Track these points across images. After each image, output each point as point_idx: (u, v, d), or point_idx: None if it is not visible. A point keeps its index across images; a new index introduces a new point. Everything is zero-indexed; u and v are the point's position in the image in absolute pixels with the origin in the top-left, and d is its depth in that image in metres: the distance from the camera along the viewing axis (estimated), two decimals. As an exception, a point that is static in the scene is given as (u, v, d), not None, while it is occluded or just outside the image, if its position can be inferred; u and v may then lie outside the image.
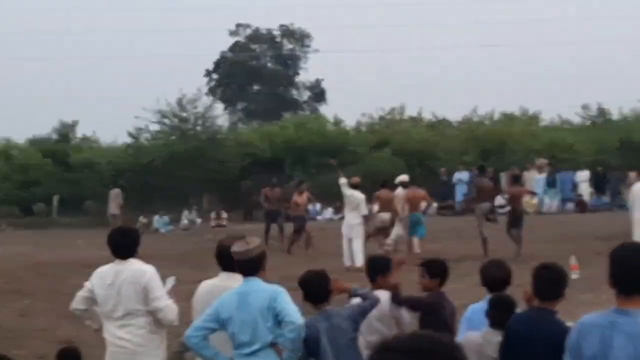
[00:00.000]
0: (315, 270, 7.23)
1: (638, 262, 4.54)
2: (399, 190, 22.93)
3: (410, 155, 41.77)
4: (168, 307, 7.68)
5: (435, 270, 7.52)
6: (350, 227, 20.88)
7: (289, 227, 25.76)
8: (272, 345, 6.59)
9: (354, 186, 21.24)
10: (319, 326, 6.76)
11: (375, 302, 6.87)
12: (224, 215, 37.23)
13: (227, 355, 6.72)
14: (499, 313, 6.49)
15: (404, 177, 23.80)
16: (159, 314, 7.66)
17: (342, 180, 21.39)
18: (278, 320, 6.52)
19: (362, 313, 6.88)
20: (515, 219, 21.63)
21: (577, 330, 4.64)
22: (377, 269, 7.80)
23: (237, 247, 6.71)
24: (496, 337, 6.38)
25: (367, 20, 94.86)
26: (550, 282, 6.07)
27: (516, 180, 24.11)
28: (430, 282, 7.46)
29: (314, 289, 6.91)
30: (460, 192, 36.36)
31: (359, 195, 20.98)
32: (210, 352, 6.70)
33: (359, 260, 19.12)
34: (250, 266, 6.70)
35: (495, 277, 7.11)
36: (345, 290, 7.02)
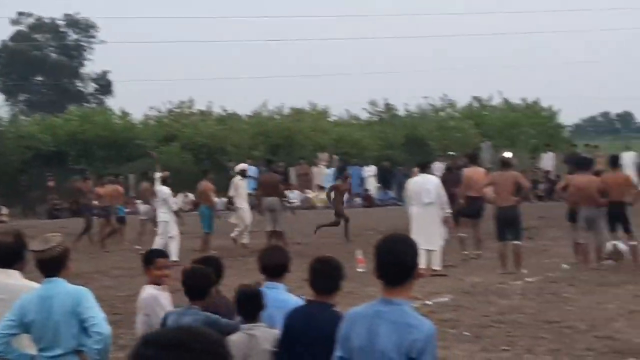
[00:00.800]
0: (198, 268, 7.03)
1: (400, 253, 4.69)
2: (238, 179, 23.03)
3: (199, 149, 41.49)
4: None
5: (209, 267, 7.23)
6: (158, 222, 20.55)
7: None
8: (78, 352, 6.15)
9: (162, 181, 20.91)
10: (170, 318, 6.67)
11: (234, 328, 6.48)
12: (4, 211, 35.74)
13: (29, 353, 6.32)
14: (247, 306, 6.39)
15: (243, 166, 24.19)
16: None
17: (158, 174, 21.09)
18: (84, 327, 6.15)
19: (214, 326, 6.48)
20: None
21: (346, 321, 4.78)
22: (147, 261, 7.66)
23: (36, 246, 6.29)
24: (262, 330, 6.28)
25: (155, 12, 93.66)
26: (326, 275, 6.04)
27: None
28: None
29: (191, 286, 6.73)
30: (249, 187, 36.13)
31: (166, 191, 20.62)
32: (14, 354, 6.30)
33: (173, 255, 18.53)
34: (51, 266, 6.28)
35: (273, 263, 6.96)
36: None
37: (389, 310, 4.63)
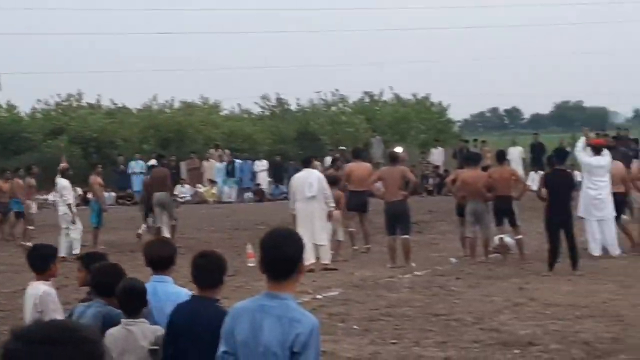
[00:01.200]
0: (110, 264, 7.02)
1: (285, 248, 4.67)
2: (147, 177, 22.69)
3: (87, 143, 40.89)
4: None
5: (94, 264, 7.12)
6: (59, 217, 20.13)
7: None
8: None
9: (61, 173, 20.41)
10: (77, 310, 6.64)
11: (117, 321, 6.41)
12: None
13: None
14: (130, 301, 6.31)
15: (154, 162, 24.10)
16: None
17: (61, 165, 20.68)
18: None
19: (115, 320, 6.43)
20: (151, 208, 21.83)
21: (231, 316, 4.76)
22: (52, 258, 7.49)
23: None
24: (141, 326, 6.20)
25: (42, 3, 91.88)
26: (209, 270, 6.01)
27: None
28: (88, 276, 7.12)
29: (100, 282, 6.68)
30: (137, 182, 35.71)
31: (64, 184, 20.16)
32: None
33: (62, 251, 17.99)
34: None
35: (158, 256, 6.89)
36: None
37: (274, 304, 4.61)
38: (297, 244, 4.74)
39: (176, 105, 48.29)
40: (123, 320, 6.28)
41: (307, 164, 17.92)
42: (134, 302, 6.27)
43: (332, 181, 18.45)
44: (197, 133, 42.91)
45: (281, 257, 4.66)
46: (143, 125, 43.59)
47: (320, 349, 4.66)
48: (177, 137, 42.27)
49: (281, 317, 4.57)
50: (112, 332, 6.15)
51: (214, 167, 37.98)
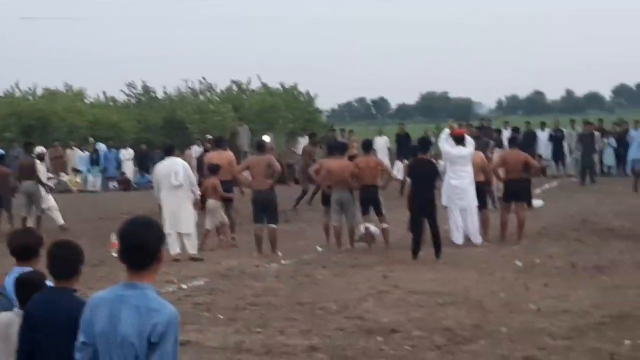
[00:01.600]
0: None
1: (143, 236, 4.64)
2: (38, 164, 22.02)
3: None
4: None
5: None
6: None
7: None
8: None
9: None
10: None
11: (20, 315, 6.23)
12: None
13: None
14: (26, 291, 6.15)
15: (41, 149, 23.60)
16: None
17: None
18: None
19: None
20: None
21: (90, 306, 4.72)
22: None
23: None
24: (20, 318, 6.07)
25: None
26: (64, 259, 5.88)
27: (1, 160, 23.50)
28: None
29: None
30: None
31: None
32: None
33: None
34: None
35: (21, 245, 6.75)
36: None
37: (132, 294, 4.58)
38: (155, 233, 4.70)
39: (39, 92, 47.26)
40: (16, 310, 6.17)
41: (169, 152, 17.79)
42: (27, 294, 6.10)
43: (212, 170, 18.41)
44: (60, 121, 42.10)
45: (139, 246, 4.61)
46: (4, 112, 42.48)
47: (179, 339, 4.62)
48: (40, 125, 41.38)
49: (139, 307, 4.54)
50: (1, 315, 6.11)
51: (77, 155, 37.30)
